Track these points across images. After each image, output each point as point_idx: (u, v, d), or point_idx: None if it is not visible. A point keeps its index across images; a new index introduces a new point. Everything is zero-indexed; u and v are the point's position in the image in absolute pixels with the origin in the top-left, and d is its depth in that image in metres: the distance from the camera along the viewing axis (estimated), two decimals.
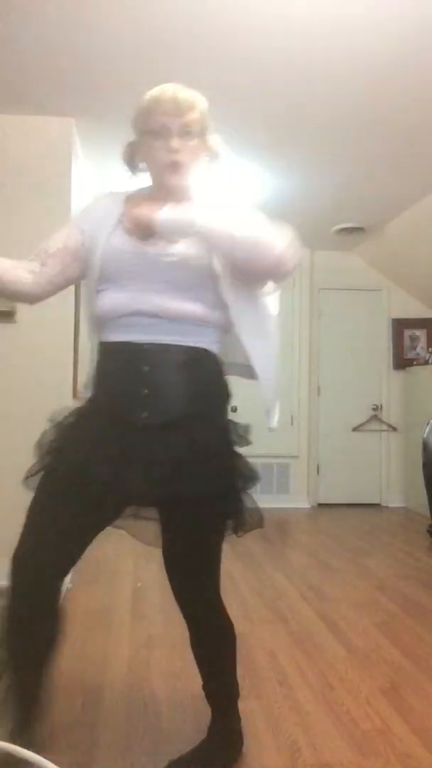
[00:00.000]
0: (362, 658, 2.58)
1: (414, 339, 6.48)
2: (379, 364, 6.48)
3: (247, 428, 1.76)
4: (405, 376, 6.41)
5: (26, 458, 3.70)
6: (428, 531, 4.93)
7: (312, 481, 6.31)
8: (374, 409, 6.45)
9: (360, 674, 2.42)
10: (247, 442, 1.75)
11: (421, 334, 6.47)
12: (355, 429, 6.41)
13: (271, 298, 1.71)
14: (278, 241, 1.60)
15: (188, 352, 1.59)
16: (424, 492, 4.90)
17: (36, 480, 1.72)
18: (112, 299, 1.60)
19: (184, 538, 1.66)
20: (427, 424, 4.82)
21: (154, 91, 1.64)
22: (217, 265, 1.58)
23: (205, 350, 1.62)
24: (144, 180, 1.73)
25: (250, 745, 1.91)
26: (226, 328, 1.66)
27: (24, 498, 2.13)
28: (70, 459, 1.60)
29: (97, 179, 4.53)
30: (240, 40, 2.80)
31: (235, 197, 1.72)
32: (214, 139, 1.71)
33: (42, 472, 1.68)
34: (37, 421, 3.96)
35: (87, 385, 1.71)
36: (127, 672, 2.40)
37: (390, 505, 6.34)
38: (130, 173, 1.72)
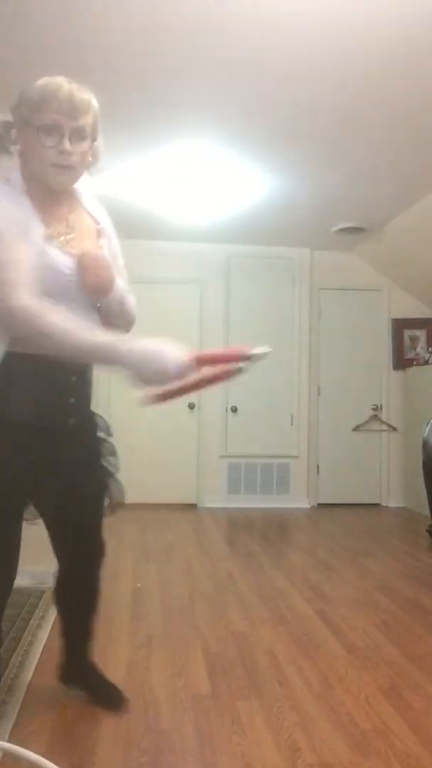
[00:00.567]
0: (362, 658, 2.57)
1: (414, 339, 6.48)
2: (379, 364, 6.48)
3: (107, 425, 2.00)
4: (405, 376, 6.41)
5: None
6: (428, 531, 4.93)
7: (312, 481, 6.30)
8: (374, 409, 6.45)
9: (360, 674, 2.42)
10: (111, 436, 2.02)
11: (421, 334, 6.47)
12: (355, 429, 6.41)
13: None
14: (131, 301, 1.85)
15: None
16: (424, 492, 4.90)
17: None
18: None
19: (83, 512, 1.92)
20: (427, 424, 4.82)
21: (49, 85, 1.59)
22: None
23: None
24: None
25: (250, 745, 1.91)
26: None
27: None
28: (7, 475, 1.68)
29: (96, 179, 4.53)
30: (240, 41, 2.80)
31: (101, 210, 1.86)
32: (99, 144, 1.71)
33: None
34: None
35: None
36: (127, 672, 2.40)
37: (390, 505, 6.34)
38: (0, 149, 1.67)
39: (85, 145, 1.64)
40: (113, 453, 1.96)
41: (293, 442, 6.22)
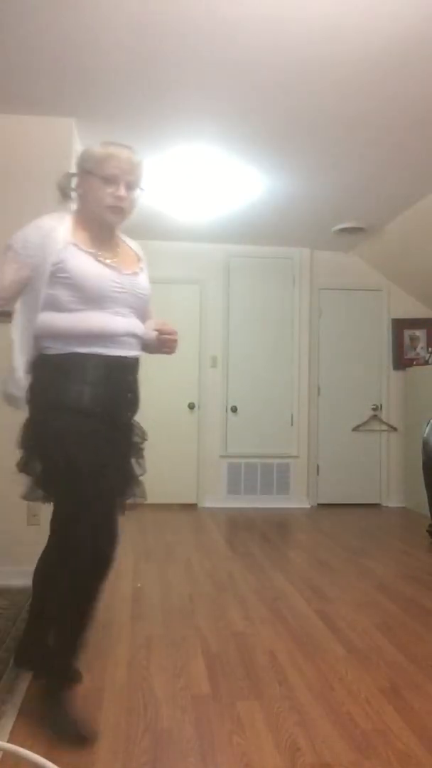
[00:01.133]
0: (362, 658, 2.58)
1: (414, 339, 6.48)
2: (379, 364, 6.48)
3: (143, 430, 2.23)
4: (405, 376, 6.41)
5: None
6: (428, 531, 4.93)
7: (312, 481, 6.31)
8: (374, 409, 6.45)
9: (360, 674, 2.42)
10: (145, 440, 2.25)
11: (421, 334, 6.47)
12: (355, 429, 6.41)
13: None
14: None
15: (138, 360, 2.12)
16: (424, 492, 4.91)
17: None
18: (102, 319, 2.01)
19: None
20: (427, 424, 4.82)
21: (110, 147, 2.06)
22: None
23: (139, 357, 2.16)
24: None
25: (250, 745, 1.91)
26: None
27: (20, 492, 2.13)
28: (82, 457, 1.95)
29: None
30: (240, 42, 2.80)
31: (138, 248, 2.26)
32: (138, 195, 2.13)
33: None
34: None
35: (38, 391, 2.01)
36: (127, 672, 2.40)
37: (390, 505, 6.34)
38: (61, 197, 2.17)
39: (133, 194, 2.08)
40: (142, 456, 2.18)
41: (293, 442, 6.22)
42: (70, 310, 1.98)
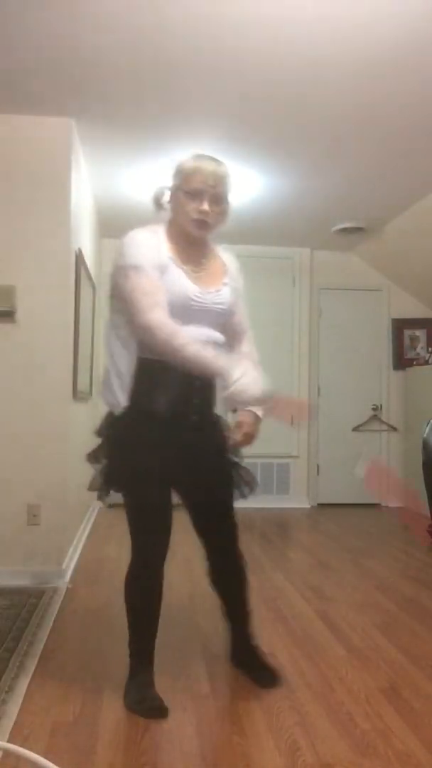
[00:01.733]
0: (362, 658, 2.57)
1: (414, 339, 6.48)
2: (379, 364, 6.48)
3: (228, 424, 2.30)
4: (405, 376, 6.41)
5: (26, 456, 3.72)
6: (428, 531, 4.93)
7: (312, 481, 6.31)
8: (374, 409, 6.45)
9: (360, 674, 2.42)
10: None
11: (421, 334, 6.47)
12: (355, 429, 6.41)
13: None
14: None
15: None
16: (424, 492, 4.90)
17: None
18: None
19: (218, 496, 2.29)
20: (427, 424, 4.82)
21: (197, 161, 2.13)
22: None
23: None
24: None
25: (250, 745, 1.91)
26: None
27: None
28: (147, 458, 2.11)
29: (97, 179, 4.53)
30: (240, 42, 2.80)
31: (231, 258, 2.33)
32: (229, 205, 2.18)
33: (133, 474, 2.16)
34: (37, 420, 3.97)
35: (130, 394, 2.11)
36: (126, 672, 2.40)
37: (390, 505, 6.34)
38: (154, 208, 2.21)
39: (220, 207, 2.13)
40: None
41: (293, 442, 6.22)
42: None
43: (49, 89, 3.27)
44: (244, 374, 1.99)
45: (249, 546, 4.53)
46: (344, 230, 5.57)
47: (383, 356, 6.47)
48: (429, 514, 4.89)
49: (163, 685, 2.29)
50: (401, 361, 6.44)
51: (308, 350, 6.34)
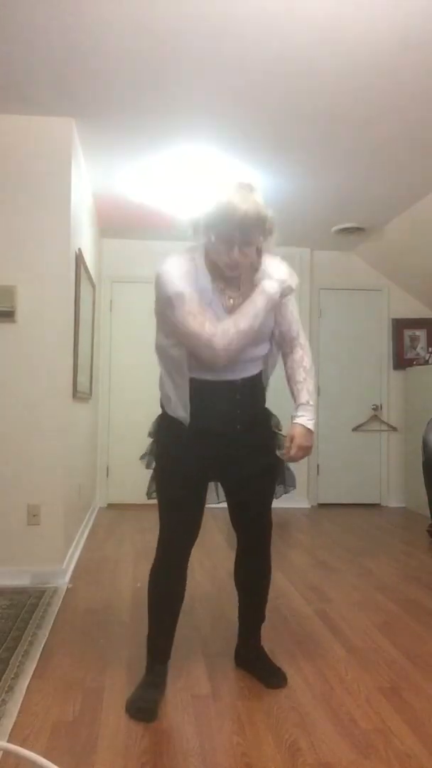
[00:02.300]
0: (362, 658, 2.57)
1: (414, 339, 6.48)
2: (379, 364, 6.48)
3: (278, 421, 2.38)
4: (405, 376, 6.41)
5: (26, 456, 3.73)
6: (428, 531, 4.93)
7: (312, 481, 6.31)
8: (374, 409, 6.45)
9: (360, 674, 2.42)
10: (280, 430, 2.39)
11: (421, 334, 6.47)
12: (355, 429, 6.41)
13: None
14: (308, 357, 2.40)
15: (254, 379, 2.26)
16: (424, 492, 4.90)
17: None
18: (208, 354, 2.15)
19: (257, 494, 2.35)
20: (428, 423, 4.82)
21: (229, 205, 2.01)
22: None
23: (258, 374, 2.27)
24: None
25: (250, 745, 1.91)
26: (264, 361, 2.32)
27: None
28: (187, 463, 2.21)
29: (97, 179, 4.53)
30: (240, 42, 2.80)
31: (281, 271, 2.27)
32: (268, 242, 2.15)
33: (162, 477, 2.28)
34: (37, 420, 3.97)
35: (185, 408, 2.20)
36: (126, 672, 2.40)
37: (390, 505, 6.34)
38: (192, 233, 2.16)
39: (252, 249, 2.10)
40: (282, 446, 2.32)
41: None
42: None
43: (49, 89, 3.27)
44: (270, 277, 2.14)
45: None
46: (344, 230, 5.57)
47: (383, 356, 6.47)
48: (429, 514, 4.89)
49: (166, 685, 2.30)
50: (401, 361, 6.44)
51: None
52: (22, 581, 3.45)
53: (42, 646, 2.61)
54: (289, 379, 2.32)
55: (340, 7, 2.56)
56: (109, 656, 2.57)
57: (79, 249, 4.02)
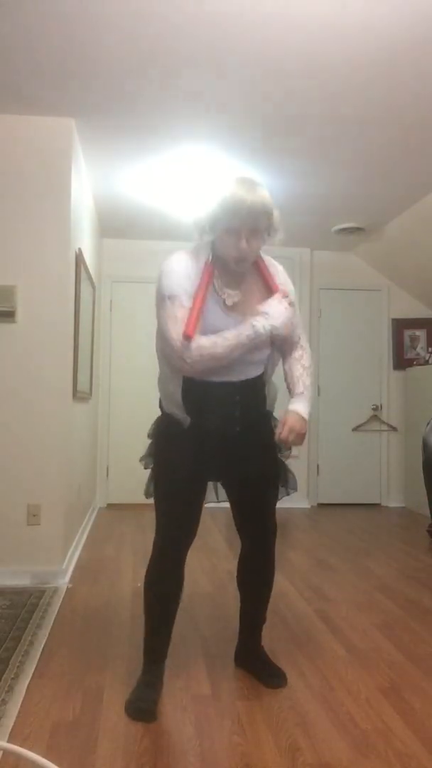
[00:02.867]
0: (362, 658, 2.57)
1: (414, 339, 6.48)
2: (379, 364, 6.48)
3: (278, 422, 2.28)
4: (405, 376, 6.41)
5: (26, 456, 3.73)
6: (428, 531, 4.93)
7: (312, 481, 6.31)
8: (374, 409, 6.45)
9: (360, 674, 2.42)
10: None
11: (421, 334, 6.47)
12: (355, 429, 6.41)
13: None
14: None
15: (254, 381, 2.23)
16: (424, 492, 4.90)
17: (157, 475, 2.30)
18: None
19: (259, 495, 2.35)
20: (427, 424, 4.82)
21: (235, 197, 2.03)
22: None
23: (259, 376, 2.25)
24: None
25: (249, 745, 1.91)
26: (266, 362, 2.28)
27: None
28: (186, 463, 2.21)
29: (97, 179, 4.53)
30: (240, 43, 2.80)
31: (281, 273, 2.34)
32: (274, 234, 2.17)
33: (161, 475, 2.27)
34: (37, 420, 3.97)
35: (179, 407, 2.20)
36: (126, 672, 2.40)
37: (390, 505, 6.34)
38: (198, 234, 2.17)
39: (259, 240, 2.12)
40: (287, 448, 2.35)
41: None
42: None
43: (49, 89, 3.27)
44: (266, 316, 2.12)
45: None
46: (344, 230, 5.57)
47: (383, 356, 6.48)
48: (429, 514, 4.89)
49: (163, 684, 2.30)
50: (401, 361, 6.44)
51: None
52: (22, 581, 3.45)
53: (42, 646, 2.61)
54: (287, 376, 2.30)
55: (343, 7, 2.55)
56: (109, 656, 2.57)
57: (79, 249, 4.02)
